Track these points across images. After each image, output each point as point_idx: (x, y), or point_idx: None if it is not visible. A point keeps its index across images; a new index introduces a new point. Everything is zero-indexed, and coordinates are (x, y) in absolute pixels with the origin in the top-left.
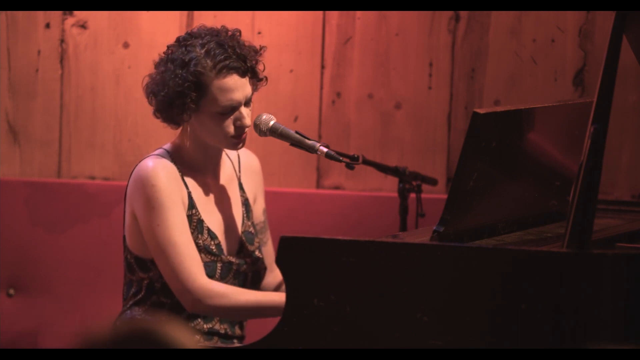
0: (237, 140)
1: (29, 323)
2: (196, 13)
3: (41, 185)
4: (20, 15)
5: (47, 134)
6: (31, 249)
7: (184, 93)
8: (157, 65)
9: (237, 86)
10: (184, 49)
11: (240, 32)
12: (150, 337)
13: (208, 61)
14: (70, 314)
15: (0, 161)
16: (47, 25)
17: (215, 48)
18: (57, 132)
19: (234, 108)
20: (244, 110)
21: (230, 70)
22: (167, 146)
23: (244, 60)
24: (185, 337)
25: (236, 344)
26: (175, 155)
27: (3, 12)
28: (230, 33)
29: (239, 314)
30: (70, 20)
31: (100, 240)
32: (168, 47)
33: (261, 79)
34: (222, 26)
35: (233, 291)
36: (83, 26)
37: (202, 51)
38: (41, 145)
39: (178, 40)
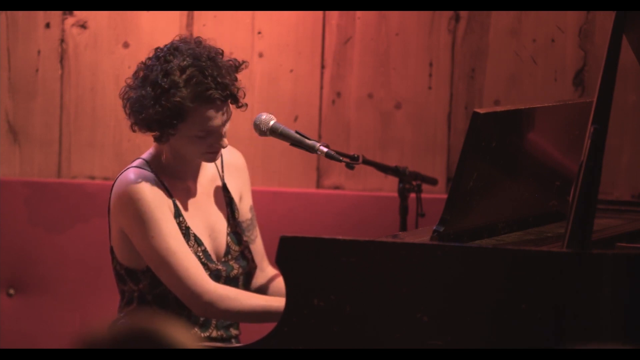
0: (213, 155)
1: (29, 323)
2: (196, 13)
3: (41, 185)
4: (20, 15)
5: (47, 134)
6: (31, 249)
7: (163, 121)
8: (135, 77)
9: (217, 114)
10: (163, 71)
11: (222, 52)
12: (150, 337)
13: (188, 90)
14: (70, 314)
15: (0, 161)
16: (47, 25)
17: (196, 76)
18: (57, 132)
19: (212, 132)
20: (222, 132)
21: (211, 101)
22: (146, 155)
23: (224, 89)
24: (185, 337)
25: (234, 343)
26: (155, 164)
27: (3, 12)
28: (212, 55)
29: (248, 317)
30: (70, 20)
31: (100, 240)
32: (147, 61)
33: (241, 106)
34: (203, 45)
35: (243, 295)
36: (83, 26)
37: (182, 78)
38: (41, 145)
39: (157, 56)
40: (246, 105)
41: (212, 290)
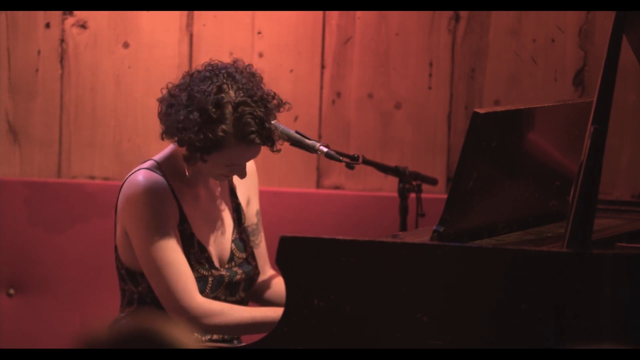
0: (227, 178)
1: (29, 323)
2: (196, 13)
3: (41, 185)
4: (20, 15)
5: (47, 134)
6: (31, 249)
7: (200, 147)
8: (181, 89)
9: (251, 154)
10: (215, 101)
11: (274, 94)
12: (151, 337)
13: (234, 128)
14: (70, 314)
15: (0, 161)
16: (47, 25)
17: (246, 116)
18: (57, 132)
19: (239, 164)
20: (245, 164)
21: (252, 144)
22: (158, 157)
23: (268, 135)
24: (186, 336)
25: (235, 344)
26: (166, 167)
27: (3, 12)
28: (265, 96)
29: (234, 331)
30: (70, 20)
31: (100, 240)
32: (196, 75)
33: (276, 151)
34: (256, 78)
35: (229, 309)
36: (83, 26)
37: (234, 115)
38: (41, 145)
39: (211, 79)
40: (279, 150)
41: (199, 305)
